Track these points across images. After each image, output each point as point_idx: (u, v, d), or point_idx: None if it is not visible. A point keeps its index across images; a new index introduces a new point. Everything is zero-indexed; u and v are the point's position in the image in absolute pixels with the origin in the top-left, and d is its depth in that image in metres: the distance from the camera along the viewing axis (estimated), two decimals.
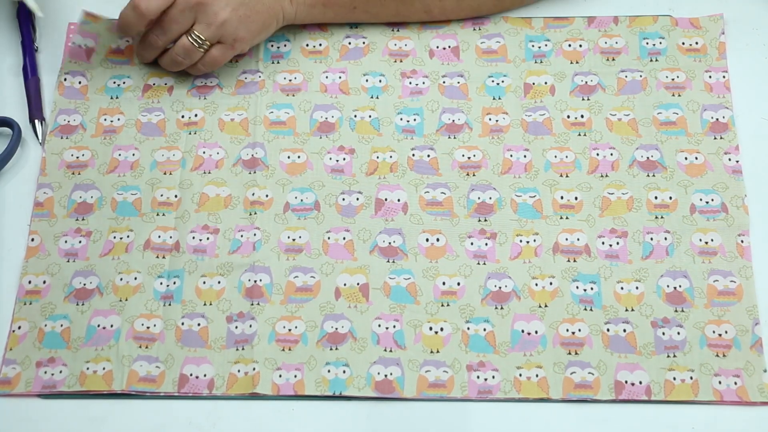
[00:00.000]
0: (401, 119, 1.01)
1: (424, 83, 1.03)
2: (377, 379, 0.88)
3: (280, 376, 0.89)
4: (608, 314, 0.91)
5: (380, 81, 1.04)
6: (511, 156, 0.99)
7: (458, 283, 0.93)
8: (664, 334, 0.90)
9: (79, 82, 1.04)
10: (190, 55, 1.00)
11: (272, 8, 1.00)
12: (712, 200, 0.95)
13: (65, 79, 1.04)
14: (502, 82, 1.03)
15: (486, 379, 0.88)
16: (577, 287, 0.92)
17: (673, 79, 1.02)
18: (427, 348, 0.90)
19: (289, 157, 1.00)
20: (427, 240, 0.95)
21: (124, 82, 1.04)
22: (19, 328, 0.92)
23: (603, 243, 0.94)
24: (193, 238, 0.95)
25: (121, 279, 0.93)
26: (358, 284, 0.93)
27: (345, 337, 0.90)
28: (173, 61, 1.01)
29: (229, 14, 0.97)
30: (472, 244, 0.95)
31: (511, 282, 0.92)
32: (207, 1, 0.97)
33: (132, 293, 0.93)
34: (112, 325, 0.91)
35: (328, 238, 0.95)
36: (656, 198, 0.96)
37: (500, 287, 0.92)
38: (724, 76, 1.02)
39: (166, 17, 0.98)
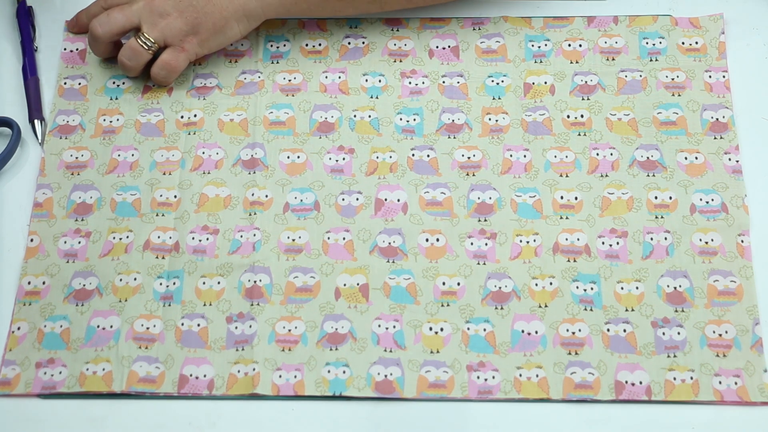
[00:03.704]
0: (401, 119, 1.01)
1: (423, 83, 1.03)
2: (377, 380, 0.88)
3: (280, 376, 0.89)
4: (608, 314, 0.91)
5: (380, 81, 1.04)
6: (511, 156, 0.99)
7: (458, 283, 0.93)
8: (664, 334, 0.90)
9: (79, 83, 1.04)
10: (137, 57, 1.00)
11: (225, 9, 0.99)
12: (712, 200, 0.95)
13: (65, 83, 1.04)
14: (502, 81, 1.03)
15: (486, 380, 0.88)
16: (577, 287, 0.92)
17: (673, 79, 1.02)
18: (427, 348, 0.90)
19: (288, 158, 0.99)
20: (427, 240, 0.95)
21: (123, 83, 1.04)
22: (19, 329, 0.91)
23: (603, 243, 0.94)
24: (193, 238, 0.95)
25: (121, 280, 0.93)
26: (357, 284, 0.93)
27: (345, 338, 0.90)
28: (121, 63, 1.01)
29: (174, 17, 0.98)
30: (472, 244, 0.94)
31: (511, 282, 0.92)
32: (152, 7, 0.98)
33: (131, 294, 0.93)
34: (111, 326, 0.91)
35: (328, 238, 0.95)
36: (656, 198, 0.96)
37: (500, 287, 0.92)
38: (724, 76, 1.02)
39: (113, 10, 1.00)
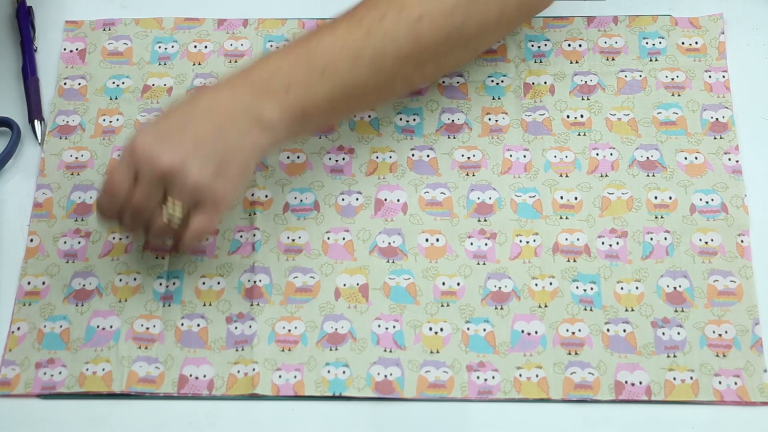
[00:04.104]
0: (401, 119, 1.01)
1: None
2: (377, 380, 0.88)
3: (280, 376, 0.89)
4: (608, 314, 0.91)
5: None
6: (511, 156, 0.99)
7: (458, 284, 0.93)
8: (664, 334, 0.90)
9: (79, 84, 1.04)
10: (170, 232, 0.86)
11: (244, 147, 0.85)
12: (712, 200, 0.95)
13: (65, 83, 1.04)
14: (502, 81, 1.03)
15: (486, 380, 0.88)
16: (577, 287, 0.92)
17: (672, 79, 1.02)
18: (426, 348, 0.90)
19: (288, 157, 0.99)
20: (427, 240, 0.95)
21: (123, 83, 1.04)
22: (19, 329, 0.91)
23: (603, 243, 0.94)
24: None
25: (121, 280, 0.93)
26: (357, 284, 0.93)
27: (345, 338, 0.90)
28: (155, 244, 0.90)
29: (199, 174, 0.83)
30: (471, 244, 0.94)
31: (511, 282, 0.92)
32: (173, 166, 0.83)
33: (131, 294, 0.93)
34: (111, 326, 0.91)
35: (328, 238, 0.95)
36: (656, 198, 0.96)
37: (500, 287, 0.92)
38: (723, 76, 1.02)
39: (134, 201, 0.85)
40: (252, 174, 0.91)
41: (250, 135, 0.85)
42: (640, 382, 0.87)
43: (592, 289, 0.92)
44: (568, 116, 1.01)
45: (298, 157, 0.99)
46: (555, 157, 0.99)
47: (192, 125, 0.84)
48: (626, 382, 0.88)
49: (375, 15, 0.88)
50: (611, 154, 0.98)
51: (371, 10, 0.89)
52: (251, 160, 0.86)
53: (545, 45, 1.05)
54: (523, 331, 0.90)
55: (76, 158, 1.00)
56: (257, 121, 0.85)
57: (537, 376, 0.88)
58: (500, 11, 0.91)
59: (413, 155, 0.99)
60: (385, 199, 0.97)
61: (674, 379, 0.88)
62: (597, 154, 0.98)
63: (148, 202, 0.84)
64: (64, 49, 1.07)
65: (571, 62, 1.04)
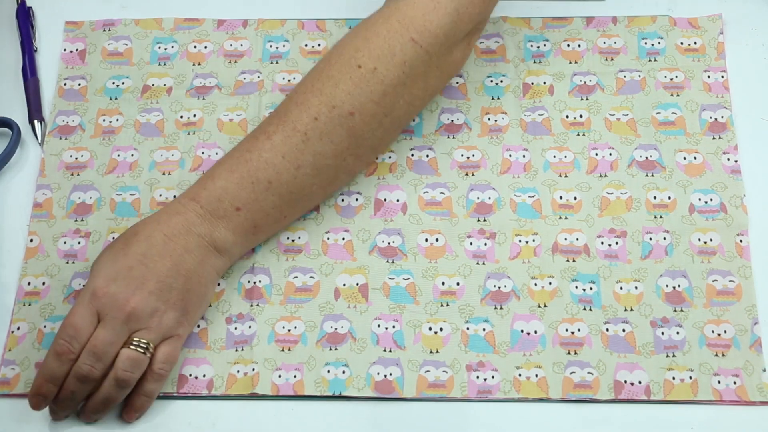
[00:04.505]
0: None
1: None
2: (377, 380, 0.88)
3: (280, 376, 0.89)
4: (607, 314, 0.91)
5: None
6: (510, 156, 0.99)
7: (457, 283, 0.93)
8: (663, 333, 0.90)
9: (79, 84, 1.04)
10: (139, 364, 0.85)
11: (203, 275, 0.88)
12: (711, 200, 0.96)
13: (65, 84, 1.04)
14: (501, 82, 1.03)
15: (485, 379, 0.88)
16: (577, 287, 0.92)
17: (671, 79, 1.02)
18: (426, 348, 0.90)
19: None
20: (427, 240, 0.95)
21: (123, 83, 1.04)
22: (18, 329, 0.92)
23: (602, 243, 0.94)
24: None
25: None
26: (357, 284, 0.93)
27: (344, 338, 0.90)
28: (122, 379, 0.84)
29: (164, 308, 0.86)
30: (471, 244, 0.95)
31: (511, 282, 0.92)
32: (137, 307, 0.84)
33: None
34: None
35: (328, 238, 0.95)
36: (655, 198, 0.96)
37: (499, 287, 0.92)
38: (722, 76, 1.02)
39: (98, 341, 0.84)
40: (211, 296, 0.91)
41: (207, 261, 0.88)
42: (640, 382, 0.88)
43: (591, 288, 0.92)
44: (567, 116, 1.01)
45: None
46: (554, 157, 0.99)
47: (152, 264, 0.86)
48: (625, 381, 0.88)
49: (308, 116, 0.89)
50: (610, 154, 0.98)
51: (303, 111, 0.90)
52: (211, 286, 0.90)
53: (544, 45, 1.05)
54: (522, 331, 0.90)
55: (76, 158, 1.00)
56: (212, 246, 0.89)
57: (536, 375, 0.88)
58: (424, 87, 0.93)
59: (413, 155, 0.99)
60: (385, 199, 0.97)
61: (673, 378, 0.88)
62: (596, 154, 0.99)
63: (114, 342, 0.84)
64: (64, 50, 1.07)
65: (570, 62, 1.04)
